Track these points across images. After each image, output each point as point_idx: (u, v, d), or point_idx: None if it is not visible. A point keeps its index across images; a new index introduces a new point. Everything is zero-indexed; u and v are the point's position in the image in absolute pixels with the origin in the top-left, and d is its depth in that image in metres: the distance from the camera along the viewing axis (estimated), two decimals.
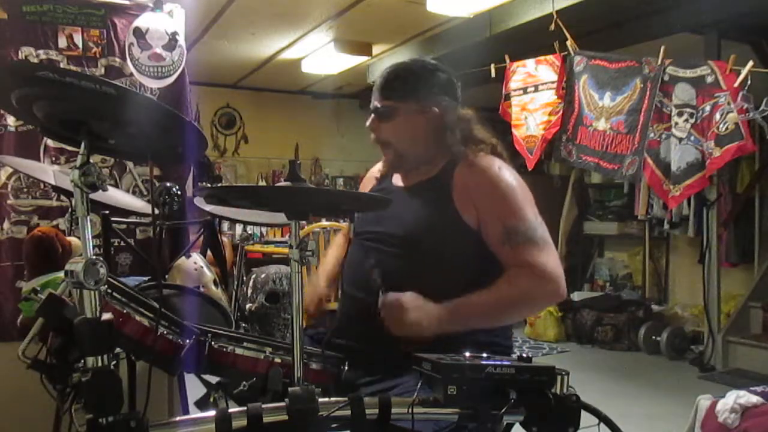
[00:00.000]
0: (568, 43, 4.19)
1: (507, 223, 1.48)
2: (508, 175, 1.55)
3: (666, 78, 3.83)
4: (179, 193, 2.26)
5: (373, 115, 1.66)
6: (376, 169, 1.83)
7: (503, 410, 1.11)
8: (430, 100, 1.61)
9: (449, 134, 1.61)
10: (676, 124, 3.79)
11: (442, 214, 1.54)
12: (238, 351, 1.23)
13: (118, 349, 1.10)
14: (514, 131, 4.59)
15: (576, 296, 5.89)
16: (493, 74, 4.57)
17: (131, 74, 2.69)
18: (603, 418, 1.19)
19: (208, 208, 2.14)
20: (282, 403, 1.07)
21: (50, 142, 2.61)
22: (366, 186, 1.86)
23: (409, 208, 1.58)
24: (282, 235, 6.14)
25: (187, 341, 1.20)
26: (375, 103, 1.65)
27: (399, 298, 1.41)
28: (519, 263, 1.46)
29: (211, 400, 1.19)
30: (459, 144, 1.61)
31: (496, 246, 1.49)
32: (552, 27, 4.01)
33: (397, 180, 1.73)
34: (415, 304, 1.40)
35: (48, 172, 2.16)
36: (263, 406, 1.07)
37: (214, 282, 2.21)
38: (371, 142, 1.69)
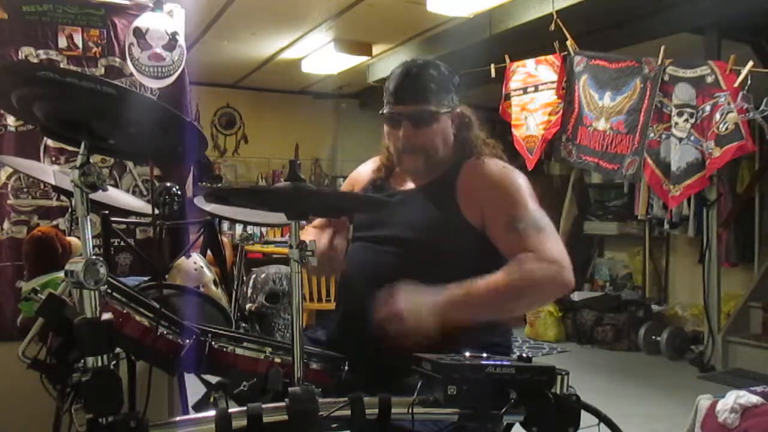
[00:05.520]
0: (568, 43, 4.19)
1: (512, 212, 1.49)
2: (512, 173, 1.58)
3: (666, 78, 3.83)
4: (179, 193, 2.27)
5: (406, 121, 1.54)
6: (368, 170, 1.77)
7: (503, 410, 1.11)
8: (455, 102, 1.60)
9: (471, 135, 1.62)
10: (676, 124, 3.79)
11: (446, 214, 1.54)
12: (238, 351, 1.23)
13: (118, 349, 1.10)
14: (514, 131, 4.60)
15: (576, 296, 5.89)
16: (493, 74, 4.57)
17: (131, 74, 2.70)
18: (603, 418, 1.19)
19: (208, 208, 2.14)
20: (282, 403, 1.07)
21: (50, 142, 2.61)
22: (357, 187, 1.79)
23: (413, 210, 1.57)
24: (282, 235, 6.14)
25: (187, 341, 1.20)
26: (407, 106, 1.54)
27: (392, 292, 1.36)
28: (524, 248, 1.44)
29: (211, 400, 1.19)
30: (471, 144, 1.62)
31: (502, 235, 1.48)
32: (552, 27, 4.01)
33: (398, 183, 1.70)
34: (409, 291, 1.36)
35: (48, 172, 2.16)
36: (263, 406, 1.07)
37: (214, 282, 2.21)
38: (402, 149, 1.56)
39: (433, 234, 1.53)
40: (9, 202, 2.59)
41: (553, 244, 1.46)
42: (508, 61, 4.57)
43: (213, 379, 1.27)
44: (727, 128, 3.50)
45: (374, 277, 1.55)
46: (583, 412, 1.16)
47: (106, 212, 2.01)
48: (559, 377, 1.15)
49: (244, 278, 3.58)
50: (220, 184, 5.89)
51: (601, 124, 4.12)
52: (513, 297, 1.43)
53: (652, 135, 3.89)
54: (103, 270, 1.03)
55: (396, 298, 1.35)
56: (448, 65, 1.65)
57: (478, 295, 1.39)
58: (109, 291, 1.15)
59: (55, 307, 1.12)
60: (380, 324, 1.36)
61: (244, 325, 2.09)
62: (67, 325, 1.08)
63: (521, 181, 1.56)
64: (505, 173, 1.57)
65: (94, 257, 1.03)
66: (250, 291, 3.62)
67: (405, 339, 1.33)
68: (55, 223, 2.62)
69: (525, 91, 4.53)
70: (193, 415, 1.17)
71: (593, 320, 5.56)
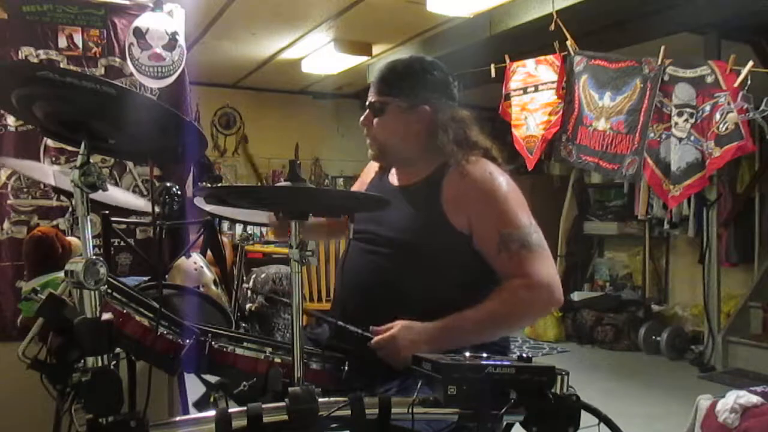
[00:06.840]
0: (568, 43, 4.19)
1: (502, 231, 1.46)
2: (499, 180, 1.52)
3: (666, 78, 3.83)
4: (179, 193, 2.26)
5: (367, 110, 1.66)
6: (375, 166, 1.80)
7: (503, 410, 1.11)
8: (421, 98, 1.58)
9: (441, 134, 1.57)
10: (676, 124, 3.78)
11: (431, 217, 1.51)
12: (238, 351, 1.23)
13: (118, 349, 1.10)
14: (514, 131, 4.59)
15: (576, 296, 5.89)
16: (493, 74, 4.57)
17: (131, 74, 2.69)
18: (603, 418, 1.19)
19: (208, 208, 2.14)
20: (282, 403, 1.07)
21: (50, 142, 2.61)
22: (365, 178, 1.82)
23: (401, 210, 1.55)
24: None
25: (187, 341, 1.20)
26: (369, 97, 1.66)
27: (390, 335, 1.37)
28: (514, 272, 1.45)
29: (212, 400, 1.19)
30: (451, 145, 1.56)
31: (492, 254, 1.47)
32: (552, 27, 4.01)
33: (393, 179, 1.70)
34: (407, 334, 1.37)
35: (48, 172, 2.16)
36: (263, 406, 1.07)
37: (214, 282, 2.21)
38: (365, 137, 1.68)
39: (416, 235, 1.51)
40: (9, 202, 2.58)
41: (543, 265, 1.46)
42: (508, 61, 4.57)
43: (213, 379, 1.27)
44: (727, 128, 3.49)
45: (362, 275, 1.57)
46: (583, 412, 1.16)
47: (106, 212, 2.01)
48: (559, 377, 1.15)
49: (244, 278, 3.57)
50: (220, 184, 5.89)
51: (601, 124, 4.12)
52: (504, 325, 1.49)
53: (652, 135, 3.88)
54: (103, 270, 1.03)
55: (394, 340, 1.37)
56: (443, 66, 1.65)
57: (470, 327, 1.42)
58: (109, 291, 1.15)
59: (55, 307, 1.13)
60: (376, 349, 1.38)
61: (244, 325, 2.09)
62: (67, 325, 1.08)
63: (508, 191, 1.51)
64: (490, 183, 1.51)
65: (94, 257, 1.03)
66: (250, 291, 3.62)
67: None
68: (55, 223, 2.61)
69: (525, 91, 4.52)
70: (193, 415, 1.17)
71: (593, 320, 5.56)
